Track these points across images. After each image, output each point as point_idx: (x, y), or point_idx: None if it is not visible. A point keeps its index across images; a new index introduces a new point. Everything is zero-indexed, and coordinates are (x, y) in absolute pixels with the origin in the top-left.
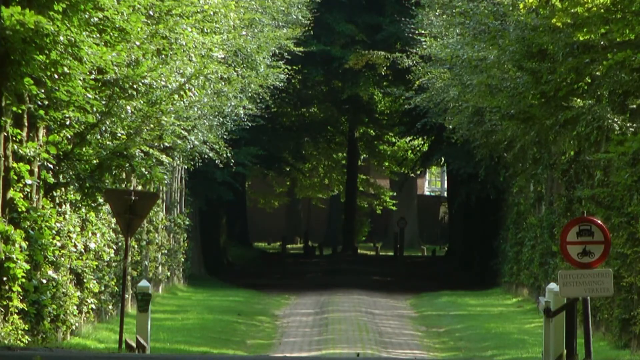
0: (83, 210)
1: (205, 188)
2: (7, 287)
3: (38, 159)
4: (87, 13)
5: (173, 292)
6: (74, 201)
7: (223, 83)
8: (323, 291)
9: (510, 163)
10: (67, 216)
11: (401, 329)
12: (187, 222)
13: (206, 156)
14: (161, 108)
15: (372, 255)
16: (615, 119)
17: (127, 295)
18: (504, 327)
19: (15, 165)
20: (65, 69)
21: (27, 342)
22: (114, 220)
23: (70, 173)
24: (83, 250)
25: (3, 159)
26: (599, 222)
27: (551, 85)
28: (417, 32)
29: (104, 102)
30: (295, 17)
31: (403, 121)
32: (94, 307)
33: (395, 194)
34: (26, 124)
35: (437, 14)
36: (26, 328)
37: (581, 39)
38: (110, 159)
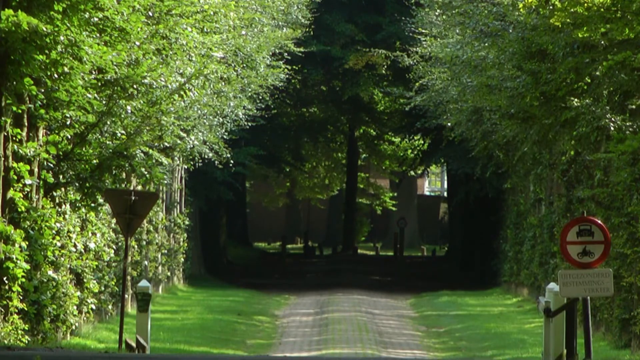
0: (83, 210)
1: (205, 188)
2: (7, 287)
3: (38, 159)
4: (87, 13)
5: (173, 292)
6: (74, 201)
7: (223, 83)
8: (323, 291)
9: (504, 161)
10: (67, 216)
11: (401, 329)
12: (187, 222)
13: (206, 156)
14: (161, 108)
15: (372, 255)
16: (613, 119)
17: (127, 295)
18: (504, 327)
19: (15, 165)
20: (65, 69)
21: (27, 342)
22: (114, 220)
23: (70, 173)
24: (83, 250)
25: (3, 159)
26: (599, 222)
27: (551, 85)
28: (417, 31)
29: (104, 102)
30: (295, 17)
31: (403, 121)
32: (94, 307)
33: (395, 194)
34: (26, 124)
35: (437, 14)
36: (26, 328)
37: (580, 36)
38: (110, 159)
